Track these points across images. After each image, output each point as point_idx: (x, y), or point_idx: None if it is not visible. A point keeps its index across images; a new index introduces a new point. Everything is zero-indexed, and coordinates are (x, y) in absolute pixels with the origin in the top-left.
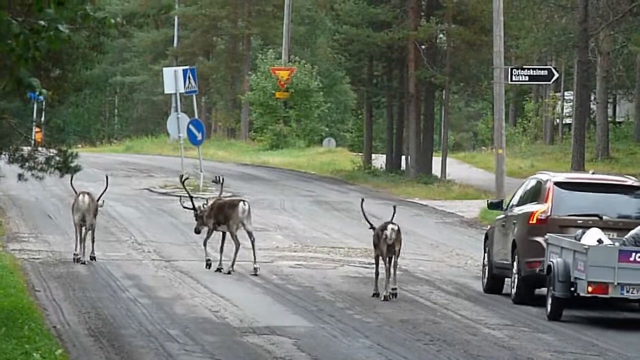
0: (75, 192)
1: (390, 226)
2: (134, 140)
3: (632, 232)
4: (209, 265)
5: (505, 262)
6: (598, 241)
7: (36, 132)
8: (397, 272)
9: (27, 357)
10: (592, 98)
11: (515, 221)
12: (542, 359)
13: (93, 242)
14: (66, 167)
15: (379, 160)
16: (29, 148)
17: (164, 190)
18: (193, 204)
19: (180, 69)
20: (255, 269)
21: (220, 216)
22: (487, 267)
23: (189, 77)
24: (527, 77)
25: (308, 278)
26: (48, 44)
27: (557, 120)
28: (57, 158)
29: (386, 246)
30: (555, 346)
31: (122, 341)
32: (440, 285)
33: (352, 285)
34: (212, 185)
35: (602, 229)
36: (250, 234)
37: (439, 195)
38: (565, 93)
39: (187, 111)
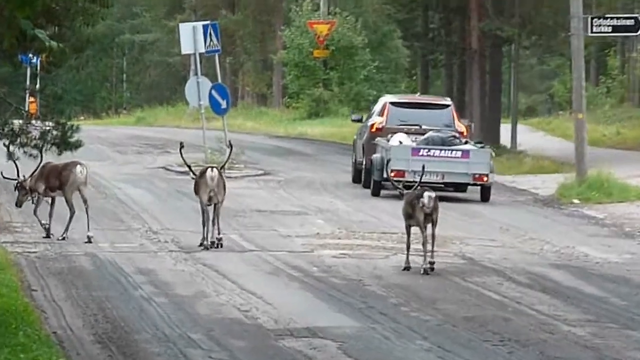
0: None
1: (427, 193)
2: (146, 111)
3: (424, 135)
4: (48, 235)
5: (360, 159)
6: (399, 142)
7: (29, 102)
8: (461, 261)
9: None
10: None
11: (365, 130)
12: None
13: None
14: (65, 143)
15: None
16: (21, 121)
17: (182, 169)
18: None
19: (199, 24)
20: (88, 237)
21: (54, 180)
22: (353, 165)
23: (211, 34)
24: (610, 28)
25: (355, 270)
26: None
27: None
28: (55, 132)
29: (423, 215)
30: None
31: (135, 348)
32: (511, 276)
33: (407, 278)
34: (240, 162)
35: (422, 134)
36: (85, 201)
37: (509, 169)
38: None
39: (208, 75)
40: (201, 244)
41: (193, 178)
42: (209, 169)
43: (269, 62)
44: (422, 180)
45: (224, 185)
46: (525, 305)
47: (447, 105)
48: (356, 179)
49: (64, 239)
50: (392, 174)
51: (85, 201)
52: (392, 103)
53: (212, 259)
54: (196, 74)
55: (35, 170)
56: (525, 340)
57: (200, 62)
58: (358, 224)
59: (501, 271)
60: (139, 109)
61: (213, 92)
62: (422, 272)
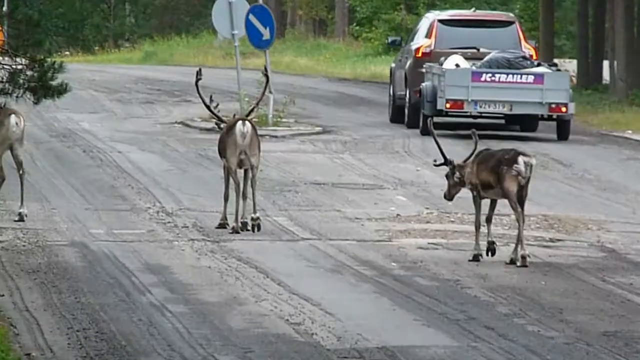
0: None
1: (522, 158)
2: (158, 43)
3: (487, 57)
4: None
5: (401, 92)
6: (456, 65)
7: None
8: (599, 254)
9: None
10: None
11: (407, 56)
12: None
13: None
14: (44, 88)
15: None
16: None
17: (208, 124)
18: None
19: None
20: (20, 214)
21: None
22: (391, 100)
23: None
24: None
25: (450, 266)
26: None
27: None
28: (29, 73)
29: (516, 187)
30: None
31: None
32: None
33: (522, 277)
34: (289, 115)
35: (479, 59)
36: (20, 164)
37: None
38: None
39: None
40: (222, 225)
41: (217, 125)
42: (239, 123)
43: None
44: (486, 113)
45: (259, 144)
46: None
47: (511, 23)
48: (396, 118)
49: None
50: (448, 105)
51: (20, 164)
52: (442, 21)
53: (249, 252)
54: None
55: None
56: None
57: None
58: (454, 201)
59: None
60: (147, 40)
61: (251, 17)
62: (508, 261)
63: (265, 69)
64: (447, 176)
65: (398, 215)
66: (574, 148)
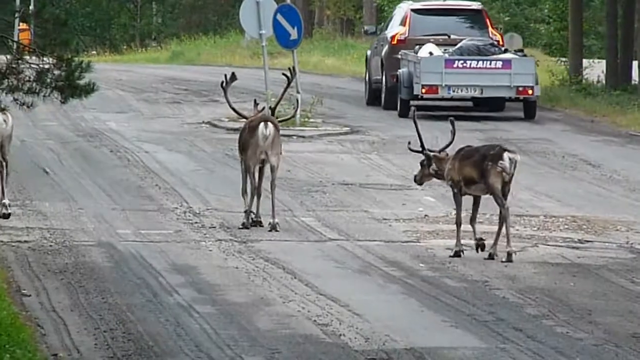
0: None
1: (508, 154)
2: (185, 43)
3: (458, 44)
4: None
5: (378, 77)
6: (429, 53)
7: (20, 29)
8: (628, 255)
9: None
10: None
11: (383, 43)
12: None
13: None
14: (71, 87)
15: (595, 70)
16: (9, 56)
17: (235, 125)
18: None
19: None
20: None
21: None
22: (367, 84)
23: None
24: None
25: (478, 267)
26: None
27: None
28: (57, 72)
29: (501, 183)
30: None
31: None
32: None
33: (551, 279)
34: (317, 115)
35: (450, 45)
36: (6, 162)
37: None
38: None
39: None
40: (246, 224)
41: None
42: (262, 124)
43: None
44: (457, 97)
45: (280, 144)
46: None
47: (479, 11)
48: (372, 101)
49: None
50: (424, 91)
51: (6, 162)
52: (415, 10)
53: (277, 252)
54: None
55: None
56: None
57: None
58: (482, 202)
59: None
60: (174, 40)
61: (279, 16)
62: (504, 258)
63: (290, 71)
64: (421, 164)
65: (426, 216)
66: (602, 149)
